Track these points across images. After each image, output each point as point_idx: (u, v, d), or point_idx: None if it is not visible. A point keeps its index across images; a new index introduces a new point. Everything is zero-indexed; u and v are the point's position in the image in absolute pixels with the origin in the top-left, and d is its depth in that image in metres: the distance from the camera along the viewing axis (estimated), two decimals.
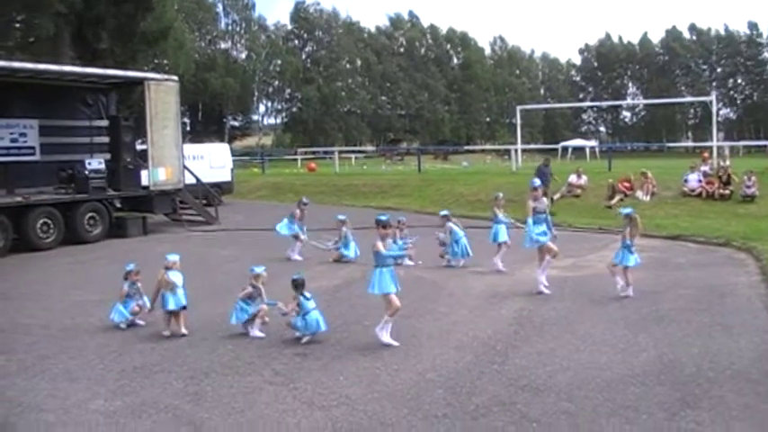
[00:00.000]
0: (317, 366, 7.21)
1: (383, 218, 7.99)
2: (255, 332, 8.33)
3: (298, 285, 8.16)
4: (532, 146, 57.67)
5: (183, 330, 8.42)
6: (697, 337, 8.01)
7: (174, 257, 8.73)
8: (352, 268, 12.59)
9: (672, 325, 8.54)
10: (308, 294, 8.17)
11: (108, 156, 18.70)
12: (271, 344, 8.00)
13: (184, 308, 8.54)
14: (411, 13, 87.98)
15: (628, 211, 10.29)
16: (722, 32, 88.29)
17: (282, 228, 14.08)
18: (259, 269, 8.55)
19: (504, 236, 12.33)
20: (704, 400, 6.10)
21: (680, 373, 6.76)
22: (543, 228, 10.49)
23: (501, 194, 13.11)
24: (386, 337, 7.84)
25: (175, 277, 8.57)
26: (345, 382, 6.72)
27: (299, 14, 77.39)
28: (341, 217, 13.75)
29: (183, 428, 5.76)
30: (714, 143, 27.83)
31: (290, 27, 78.73)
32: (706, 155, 23.76)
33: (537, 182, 11.02)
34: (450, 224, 12.74)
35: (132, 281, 8.95)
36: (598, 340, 7.96)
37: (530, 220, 10.51)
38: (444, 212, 13.28)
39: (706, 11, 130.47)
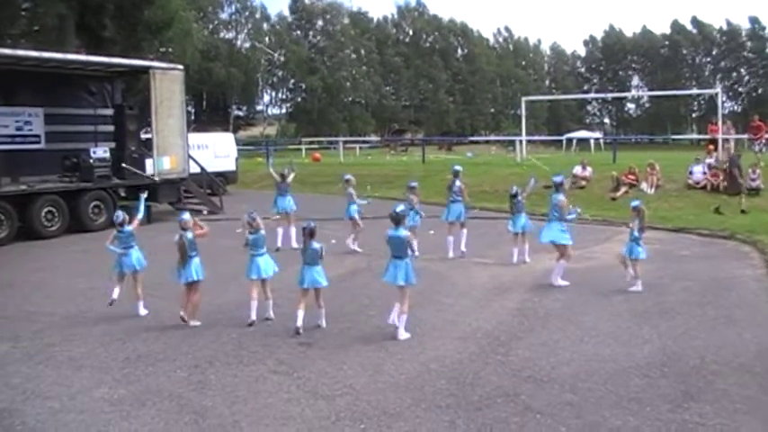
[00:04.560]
0: (320, 356, 7.23)
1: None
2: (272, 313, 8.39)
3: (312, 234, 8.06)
4: (537, 137, 57.48)
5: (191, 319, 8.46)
6: (701, 329, 8.02)
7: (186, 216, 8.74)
8: (357, 258, 12.58)
9: (676, 317, 8.54)
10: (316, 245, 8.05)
11: (113, 144, 18.70)
12: (275, 333, 8.01)
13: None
14: (419, 2, 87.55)
15: (636, 203, 10.25)
16: (724, 27, 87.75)
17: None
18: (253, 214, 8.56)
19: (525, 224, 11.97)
20: (708, 392, 6.10)
21: (684, 366, 6.77)
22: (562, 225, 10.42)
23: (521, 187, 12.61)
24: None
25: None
26: (349, 372, 6.73)
27: (296, 5, 77.12)
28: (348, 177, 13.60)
29: (187, 417, 5.79)
30: (720, 136, 27.56)
31: (290, 18, 78.41)
32: (711, 147, 23.59)
33: (560, 178, 10.82)
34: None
35: (120, 229, 9.03)
36: (602, 332, 7.96)
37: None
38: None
39: (707, 5, 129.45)
